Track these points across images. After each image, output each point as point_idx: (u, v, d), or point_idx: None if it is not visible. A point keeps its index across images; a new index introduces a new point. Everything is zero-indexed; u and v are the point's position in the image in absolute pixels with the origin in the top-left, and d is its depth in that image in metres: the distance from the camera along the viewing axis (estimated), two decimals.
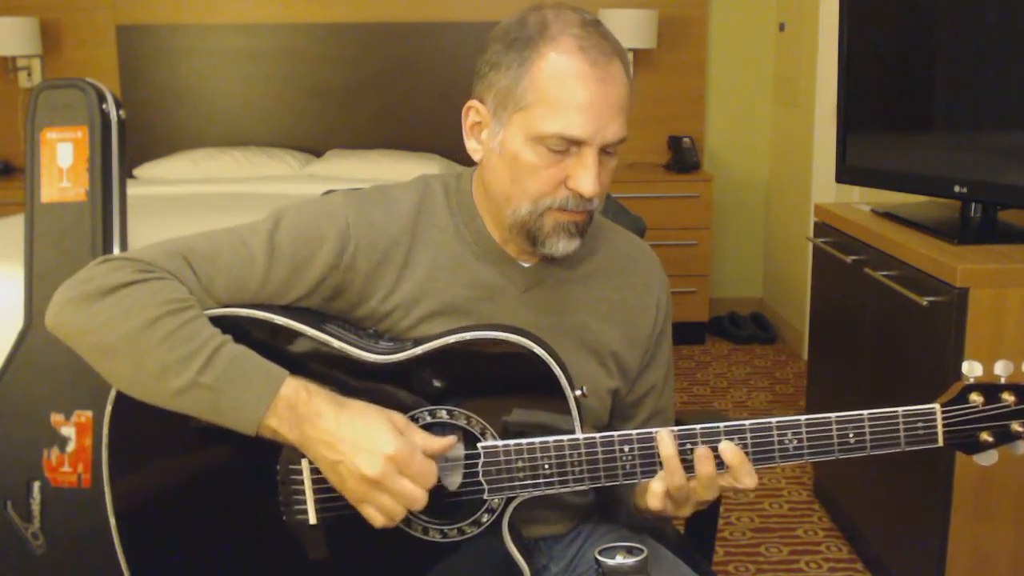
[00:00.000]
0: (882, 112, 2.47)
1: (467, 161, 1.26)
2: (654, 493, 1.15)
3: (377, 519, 1.09)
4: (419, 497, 1.08)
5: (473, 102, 1.21)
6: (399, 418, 1.11)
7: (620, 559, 1.04)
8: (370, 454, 1.06)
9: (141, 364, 1.09)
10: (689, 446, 1.14)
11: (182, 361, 1.07)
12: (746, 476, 1.12)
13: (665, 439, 1.13)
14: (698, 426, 1.14)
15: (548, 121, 1.12)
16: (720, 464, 1.13)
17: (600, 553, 1.05)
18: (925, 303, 1.95)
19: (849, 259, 2.36)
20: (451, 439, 1.13)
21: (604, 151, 1.16)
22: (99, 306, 1.10)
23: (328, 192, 1.31)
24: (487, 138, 1.20)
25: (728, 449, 1.12)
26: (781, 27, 4.43)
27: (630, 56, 4.41)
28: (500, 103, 1.16)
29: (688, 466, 1.13)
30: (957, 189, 2.11)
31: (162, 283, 1.12)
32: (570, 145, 1.14)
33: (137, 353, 1.09)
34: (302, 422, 1.08)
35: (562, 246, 1.19)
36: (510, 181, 1.17)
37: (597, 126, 1.13)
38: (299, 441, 1.09)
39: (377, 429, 1.08)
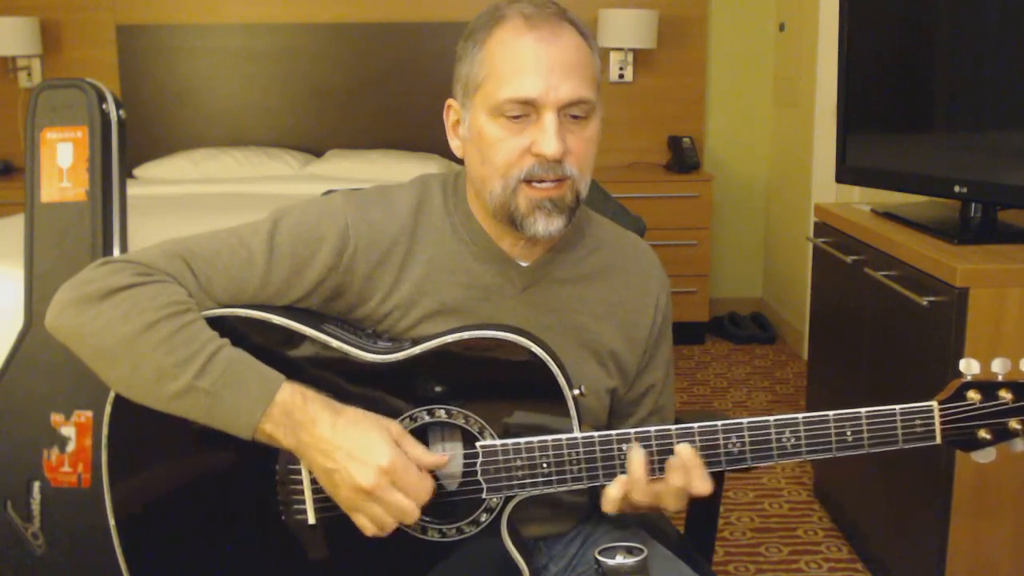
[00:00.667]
0: (882, 112, 2.47)
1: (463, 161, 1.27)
2: (609, 498, 1.14)
3: (368, 528, 1.10)
4: (411, 510, 1.08)
5: (450, 100, 1.25)
6: (395, 428, 1.11)
7: (620, 559, 1.04)
8: (364, 465, 1.06)
9: (138, 367, 1.09)
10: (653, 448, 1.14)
11: (179, 365, 1.08)
12: (698, 480, 1.12)
13: (636, 460, 1.13)
14: (695, 425, 1.14)
15: (500, 89, 1.15)
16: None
17: (600, 553, 1.05)
18: (925, 303, 1.95)
19: (849, 259, 2.36)
20: (445, 457, 1.13)
21: (570, 116, 1.16)
22: (97, 309, 1.10)
23: (328, 192, 1.31)
24: (463, 131, 1.22)
25: (684, 450, 1.13)
26: (781, 27, 4.43)
27: (629, 57, 4.45)
28: (464, 91, 1.20)
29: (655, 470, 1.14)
30: (957, 189, 2.11)
31: (161, 286, 1.12)
32: (528, 110, 1.15)
33: (134, 356, 1.09)
34: (298, 428, 1.09)
35: (542, 225, 1.18)
36: (480, 162, 1.19)
37: (547, 83, 1.14)
38: (295, 447, 1.10)
39: (373, 439, 1.08)
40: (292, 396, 1.09)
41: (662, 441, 1.14)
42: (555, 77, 1.14)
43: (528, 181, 1.16)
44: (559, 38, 1.16)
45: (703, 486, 1.12)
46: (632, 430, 1.15)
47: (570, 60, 1.16)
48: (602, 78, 1.24)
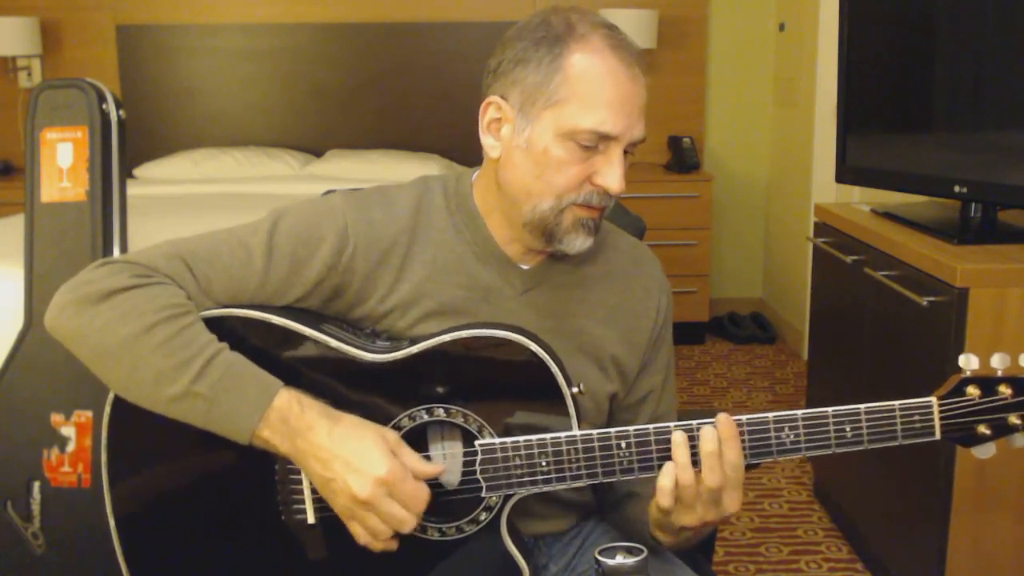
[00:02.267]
0: (882, 112, 2.47)
1: (466, 161, 1.26)
2: (663, 490, 1.11)
3: (362, 537, 1.10)
4: (407, 520, 1.09)
5: (494, 98, 1.19)
6: (392, 436, 1.11)
7: (620, 559, 1.04)
8: (361, 475, 1.06)
9: (136, 370, 1.09)
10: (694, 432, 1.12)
11: (177, 368, 1.08)
12: (731, 451, 1.10)
13: (679, 446, 1.11)
14: (694, 422, 1.14)
15: (582, 116, 1.13)
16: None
17: (600, 553, 1.05)
18: (925, 303, 1.95)
19: (849, 259, 2.36)
20: (440, 466, 1.13)
21: (625, 150, 1.17)
22: (96, 310, 1.10)
23: (328, 192, 1.31)
24: (509, 134, 1.18)
25: (723, 420, 1.11)
26: (781, 27, 4.43)
27: None
28: (528, 99, 1.16)
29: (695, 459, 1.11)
30: (957, 189, 2.11)
31: (160, 288, 1.12)
32: (599, 141, 1.15)
33: (133, 359, 1.09)
34: (294, 435, 1.09)
35: (579, 243, 1.20)
36: (535, 177, 1.17)
37: (628, 123, 1.14)
38: (291, 453, 1.10)
39: (370, 449, 1.08)
40: (289, 402, 1.09)
41: (661, 438, 1.14)
42: (633, 117, 1.15)
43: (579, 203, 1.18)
44: (639, 77, 1.16)
45: (733, 454, 1.10)
46: (632, 427, 1.14)
47: (644, 101, 1.17)
48: None
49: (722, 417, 1.12)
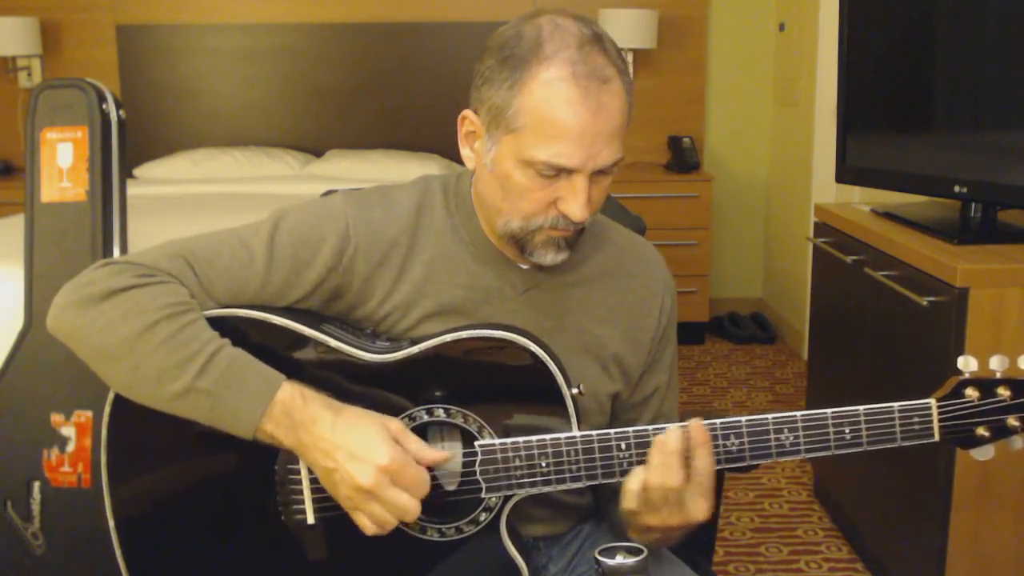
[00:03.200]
0: (882, 112, 2.47)
1: None
2: (628, 493, 1.13)
3: (369, 528, 1.10)
4: (411, 508, 1.08)
5: (467, 112, 1.19)
6: (395, 425, 1.11)
7: (620, 559, 1.04)
8: (364, 464, 1.06)
9: (139, 368, 1.09)
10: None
11: (179, 365, 1.08)
12: (701, 458, 1.10)
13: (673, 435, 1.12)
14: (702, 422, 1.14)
15: (538, 148, 1.11)
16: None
17: (600, 553, 1.05)
18: (925, 303, 1.95)
19: (849, 259, 2.36)
20: (447, 453, 1.13)
21: (600, 172, 1.14)
22: (98, 310, 1.10)
23: (328, 192, 1.31)
24: (480, 150, 1.18)
25: (696, 427, 1.11)
26: (781, 27, 4.43)
27: (629, 57, 4.45)
28: (492, 121, 1.14)
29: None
30: (957, 189, 2.11)
31: (162, 287, 1.12)
32: (560, 171, 1.12)
33: (135, 357, 1.09)
34: (298, 428, 1.09)
35: (550, 257, 1.19)
36: (501, 198, 1.17)
37: (587, 154, 1.11)
38: (295, 446, 1.10)
39: (372, 437, 1.08)
40: (292, 396, 1.09)
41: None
42: (596, 147, 1.11)
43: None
44: (605, 106, 1.10)
45: (702, 462, 1.11)
46: (631, 428, 1.14)
47: (613, 127, 1.11)
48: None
49: (695, 423, 1.12)
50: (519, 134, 1.12)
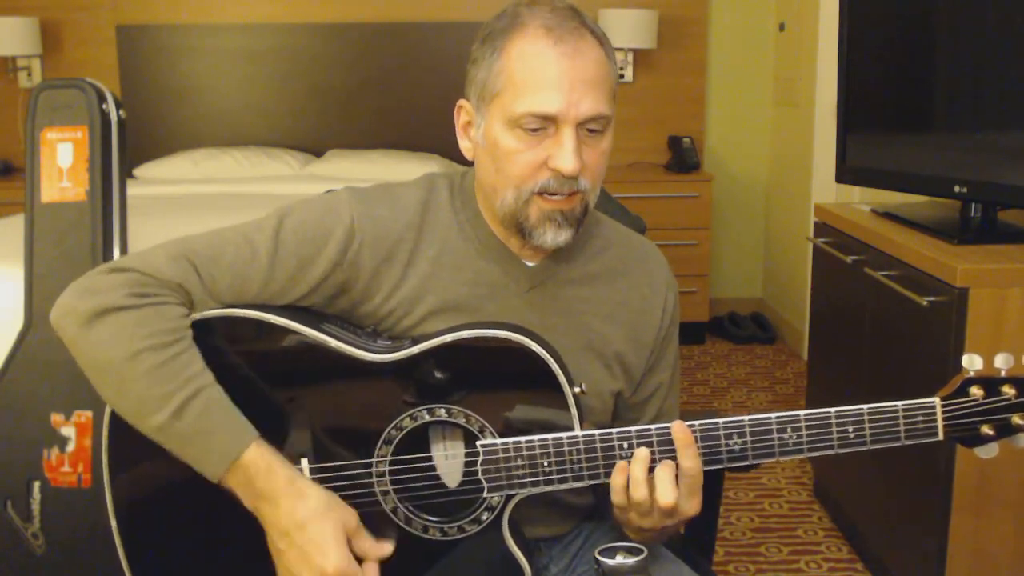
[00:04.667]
0: (882, 112, 2.47)
1: (466, 161, 1.26)
2: (615, 488, 1.14)
3: None
4: None
5: (462, 101, 1.23)
6: (352, 521, 1.11)
7: (620, 559, 1.04)
8: (310, 565, 1.08)
9: (122, 393, 1.11)
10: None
11: (158, 400, 1.09)
12: (688, 459, 1.11)
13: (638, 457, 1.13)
14: (696, 422, 1.14)
15: (518, 101, 1.13)
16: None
17: (600, 553, 1.05)
18: (925, 303, 1.95)
19: (849, 259, 2.36)
20: (390, 547, 1.13)
21: (587, 130, 1.15)
22: (91, 327, 1.11)
23: (331, 190, 1.31)
24: (475, 134, 1.21)
25: (678, 428, 1.12)
26: (781, 27, 4.43)
27: (629, 57, 4.46)
28: (480, 97, 1.18)
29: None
30: (957, 189, 2.11)
31: (153, 309, 1.11)
32: (546, 124, 1.14)
33: (119, 382, 1.10)
34: (257, 497, 1.10)
35: (551, 236, 1.18)
36: (495, 171, 1.18)
37: (568, 100, 1.13)
38: (254, 510, 1.11)
39: (326, 539, 1.08)
40: (256, 462, 1.09)
41: (663, 439, 1.14)
42: (576, 93, 1.13)
43: (541, 193, 1.16)
44: (581, 52, 1.14)
45: (689, 463, 1.11)
46: (633, 428, 1.14)
47: (591, 75, 1.14)
48: (617, 87, 1.22)
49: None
50: (501, 96, 1.15)
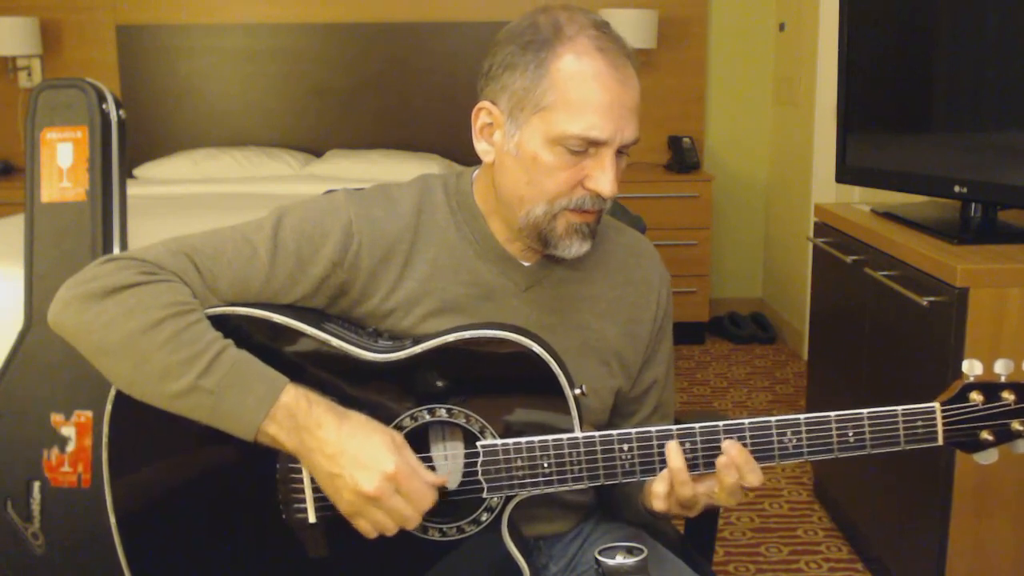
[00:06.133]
0: (882, 112, 2.47)
1: (466, 161, 1.26)
2: (657, 495, 1.15)
3: (370, 533, 1.10)
4: (413, 517, 1.09)
5: (485, 103, 1.20)
6: (399, 439, 1.11)
7: (620, 559, 1.04)
8: (369, 470, 1.06)
9: (142, 365, 1.09)
10: (689, 446, 1.14)
11: (183, 364, 1.08)
12: (750, 474, 1.12)
13: (674, 452, 1.13)
14: (696, 425, 1.14)
15: (570, 123, 1.13)
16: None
17: (600, 553, 1.05)
18: (925, 303, 1.95)
19: (849, 259, 2.36)
20: (445, 477, 1.14)
21: (618, 151, 1.17)
22: (102, 306, 1.10)
23: (329, 191, 1.31)
24: (500, 140, 1.19)
25: (732, 447, 1.12)
26: (781, 27, 4.43)
27: None
28: (517, 105, 1.16)
29: (694, 472, 1.13)
30: (957, 189, 2.11)
31: (166, 285, 1.12)
32: (589, 146, 1.14)
33: (138, 354, 1.09)
34: (301, 431, 1.09)
35: (575, 248, 1.20)
36: (526, 183, 1.17)
37: (617, 126, 1.14)
38: (297, 449, 1.10)
39: (378, 446, 1.08)
40: (296, 398, 1.09)
41: (663, 440, 1.14)
42: (623, 120, 1.14)
43: (571, 208, 1.17)
44: (629, 79, 1.15)
45: (754, 478, 1.12)
46: (633, 430, 1.15)
47: (635, 102, 1.16)
48: None
49: (729, 444, 1.12)
50: (548, 112, 1.13)
